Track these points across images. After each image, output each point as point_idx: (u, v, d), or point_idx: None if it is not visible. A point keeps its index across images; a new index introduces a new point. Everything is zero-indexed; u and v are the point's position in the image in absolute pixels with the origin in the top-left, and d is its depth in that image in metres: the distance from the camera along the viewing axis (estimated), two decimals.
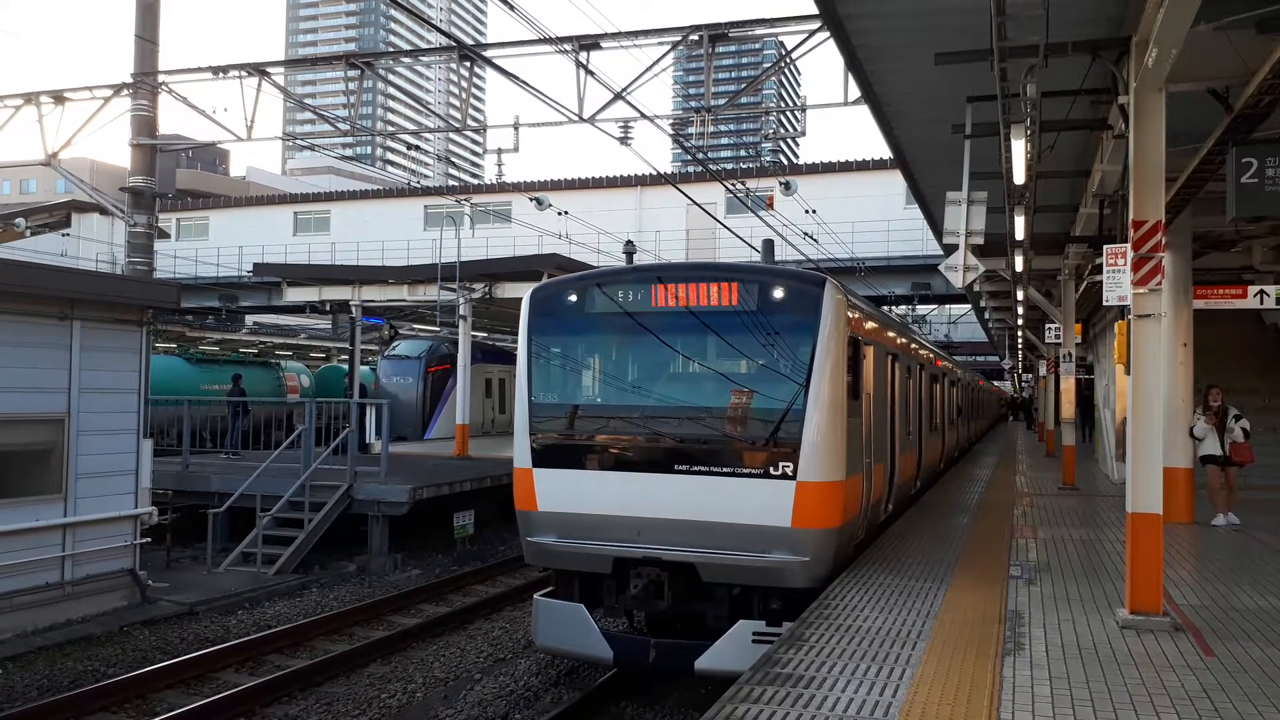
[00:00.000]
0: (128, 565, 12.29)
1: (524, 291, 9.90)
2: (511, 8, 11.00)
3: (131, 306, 12.45)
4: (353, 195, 51.98)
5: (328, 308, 26.25)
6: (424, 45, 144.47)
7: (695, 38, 14.96)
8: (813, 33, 13.87)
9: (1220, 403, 12.42)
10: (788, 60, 15.48)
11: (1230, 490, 12.45)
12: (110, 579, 12.03)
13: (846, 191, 37.23)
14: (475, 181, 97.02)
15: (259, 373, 31.22)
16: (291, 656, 10.78)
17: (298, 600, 13.25)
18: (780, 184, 26.95)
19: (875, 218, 36.06)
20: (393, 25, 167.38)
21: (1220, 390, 12.55)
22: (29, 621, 10.88)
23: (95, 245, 44.20)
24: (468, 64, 16.34)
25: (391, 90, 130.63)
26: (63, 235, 40.08)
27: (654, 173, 29.40)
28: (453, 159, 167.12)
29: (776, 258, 13.17)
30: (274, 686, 9.46)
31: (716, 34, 14.92)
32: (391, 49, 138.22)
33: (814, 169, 40.12)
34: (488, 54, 16.03)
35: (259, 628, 11.71)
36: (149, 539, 12.87)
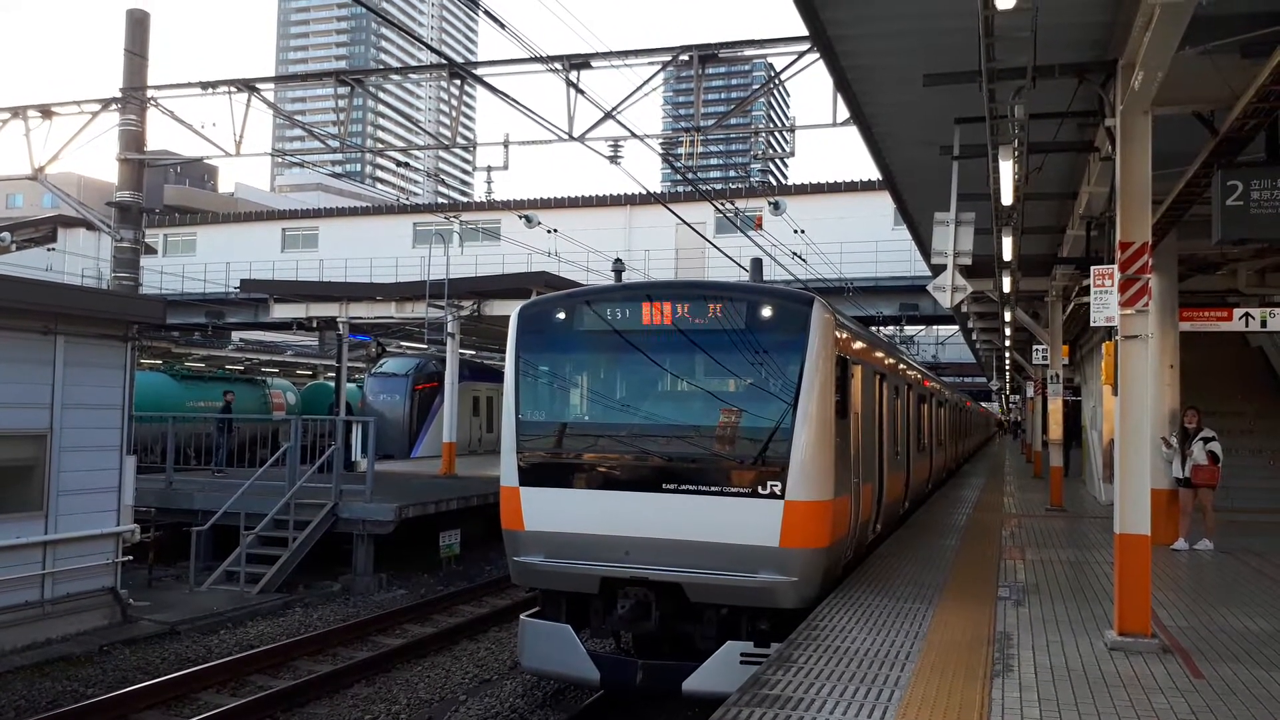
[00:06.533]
0: (109, 584, 12.15)
1: (512, 309, 9.87)
2: (502, 26, 11.04)
3: (116, 322, 12.36)
4: (341, 212, 51.99)
5: (315, 325, 26.15)
6: (414, 63, 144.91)
7: (685, 58, 15.04)
8: (802, 54, 13.98)
9: (1195, 424, 12.20)
10: (777, 81, 15.57)
11: (1205, 514, 12.16)
12: (91, 597, 11.88)
13: (835, 212, 37.42)
14: (465, 199, 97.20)
15: (245, 390, 31.00)
16: (274, 677, 10.65)
17: (281, 620, 13.11)
18: (769, 204, 27.09)
19: (864, 238, 36.25)
20: (383, 43, 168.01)
21: (1197, 412, 12.33)
22: (7, 641, 10.72)
23: (81, 260, 44.00)
24: (458, 82, 16.37)
25: (381, 107, 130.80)
26: (48, 250, 39.84)
27: (644, 192, 29.50)
28: (442, 176, 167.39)
29: (765, 277, 13.18)
30: (256, 707, 9.35)
31: (706, 55, 15.00)
32: (382, 66, 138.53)
33: (803, 189, 40.37)
34: (478, 72, 16.09)
35: (241, 648, 11.57)
36: (131, 557, 12.72)
